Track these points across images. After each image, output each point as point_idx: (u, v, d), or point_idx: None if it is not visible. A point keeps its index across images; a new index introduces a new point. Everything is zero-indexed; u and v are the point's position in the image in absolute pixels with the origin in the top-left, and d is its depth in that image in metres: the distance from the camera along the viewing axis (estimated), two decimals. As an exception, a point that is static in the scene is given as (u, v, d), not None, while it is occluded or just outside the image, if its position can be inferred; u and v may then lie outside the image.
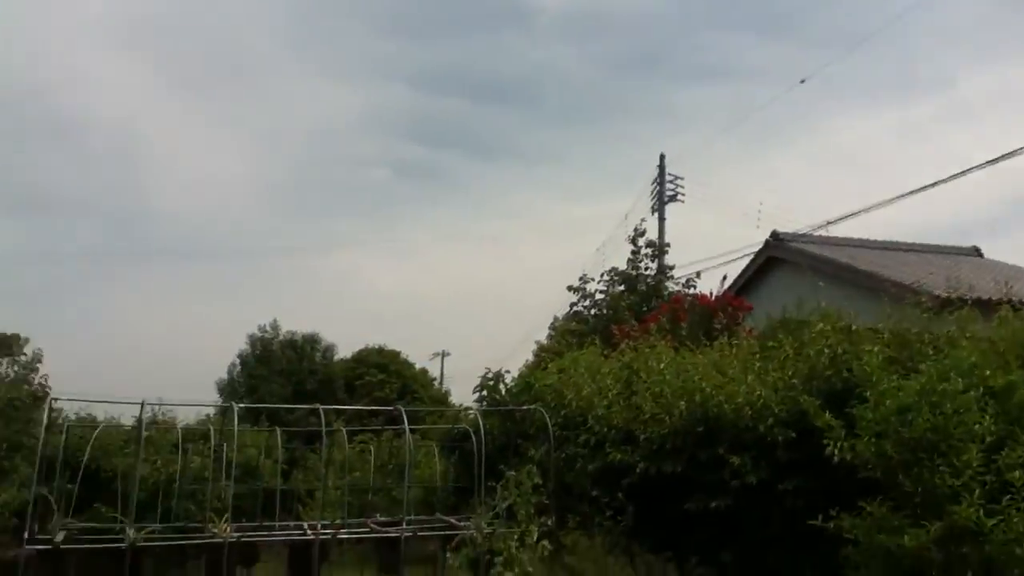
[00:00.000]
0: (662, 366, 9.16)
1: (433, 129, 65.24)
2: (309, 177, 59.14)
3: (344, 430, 14.24)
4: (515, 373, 13.78)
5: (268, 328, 35.04)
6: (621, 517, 8.58)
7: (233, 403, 11.35)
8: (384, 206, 65.11)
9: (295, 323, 35.49)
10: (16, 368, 22.24)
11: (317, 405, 11.79)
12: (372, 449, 16.17)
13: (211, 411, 22.77)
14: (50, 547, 8.54)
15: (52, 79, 50.66)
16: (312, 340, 34.99)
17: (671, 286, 21.82)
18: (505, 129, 66.70)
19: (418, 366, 38.54)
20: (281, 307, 54.84)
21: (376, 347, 37.48)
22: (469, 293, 63.10)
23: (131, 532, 8.92)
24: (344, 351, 36.76)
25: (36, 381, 19.50)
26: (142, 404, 9.83)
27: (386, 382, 34.58)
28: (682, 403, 8.13)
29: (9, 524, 12.82)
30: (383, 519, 11.49)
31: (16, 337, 23.17)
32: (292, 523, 11.98)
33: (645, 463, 8.17)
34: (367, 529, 10.94)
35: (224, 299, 53.27)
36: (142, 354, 43.56)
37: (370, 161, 63.09)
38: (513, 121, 66.10)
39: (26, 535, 8.59)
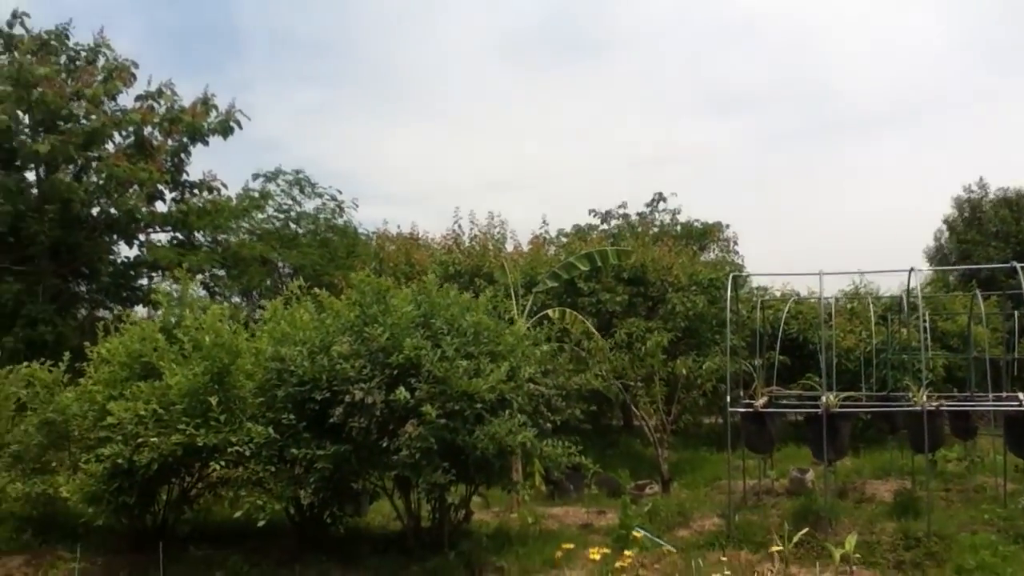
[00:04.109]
0: None
1: None
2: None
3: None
4: None
5: (974, 187, 31.71)
6: None
7: (913, 268, 10.67)
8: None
9: (1006, 179, 31.34)
10: (716, 251, 24.76)
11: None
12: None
13: (919, 280, 21.98)
14: (751, 410, 9.38)
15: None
16: (1029, 196, 30.48)
17: None
18: None
19: None
20: (987, 163, 48.61)
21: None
22: None
23: (826, 398, 9.24)
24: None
25: (734, 261, 21.44)
26: (820, 274, 9.95)
27: None
28: None
29: (719, 389, 14.35)
30: None
31: (719, 224, 25.76)
32: (1006, 394, 10.95)
33: None
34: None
35: (921, 162, 49.66)
36: (839, 231, 43.78)
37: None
38: None
39: (728, 399, 9.58)
